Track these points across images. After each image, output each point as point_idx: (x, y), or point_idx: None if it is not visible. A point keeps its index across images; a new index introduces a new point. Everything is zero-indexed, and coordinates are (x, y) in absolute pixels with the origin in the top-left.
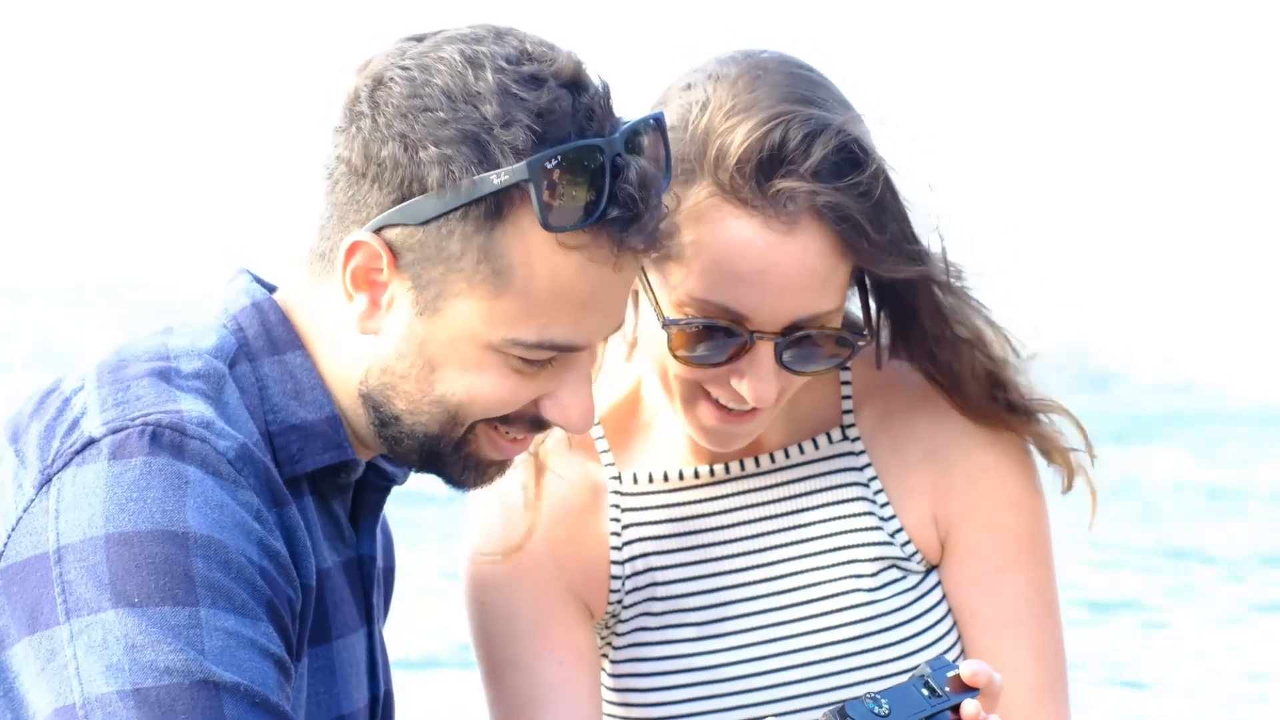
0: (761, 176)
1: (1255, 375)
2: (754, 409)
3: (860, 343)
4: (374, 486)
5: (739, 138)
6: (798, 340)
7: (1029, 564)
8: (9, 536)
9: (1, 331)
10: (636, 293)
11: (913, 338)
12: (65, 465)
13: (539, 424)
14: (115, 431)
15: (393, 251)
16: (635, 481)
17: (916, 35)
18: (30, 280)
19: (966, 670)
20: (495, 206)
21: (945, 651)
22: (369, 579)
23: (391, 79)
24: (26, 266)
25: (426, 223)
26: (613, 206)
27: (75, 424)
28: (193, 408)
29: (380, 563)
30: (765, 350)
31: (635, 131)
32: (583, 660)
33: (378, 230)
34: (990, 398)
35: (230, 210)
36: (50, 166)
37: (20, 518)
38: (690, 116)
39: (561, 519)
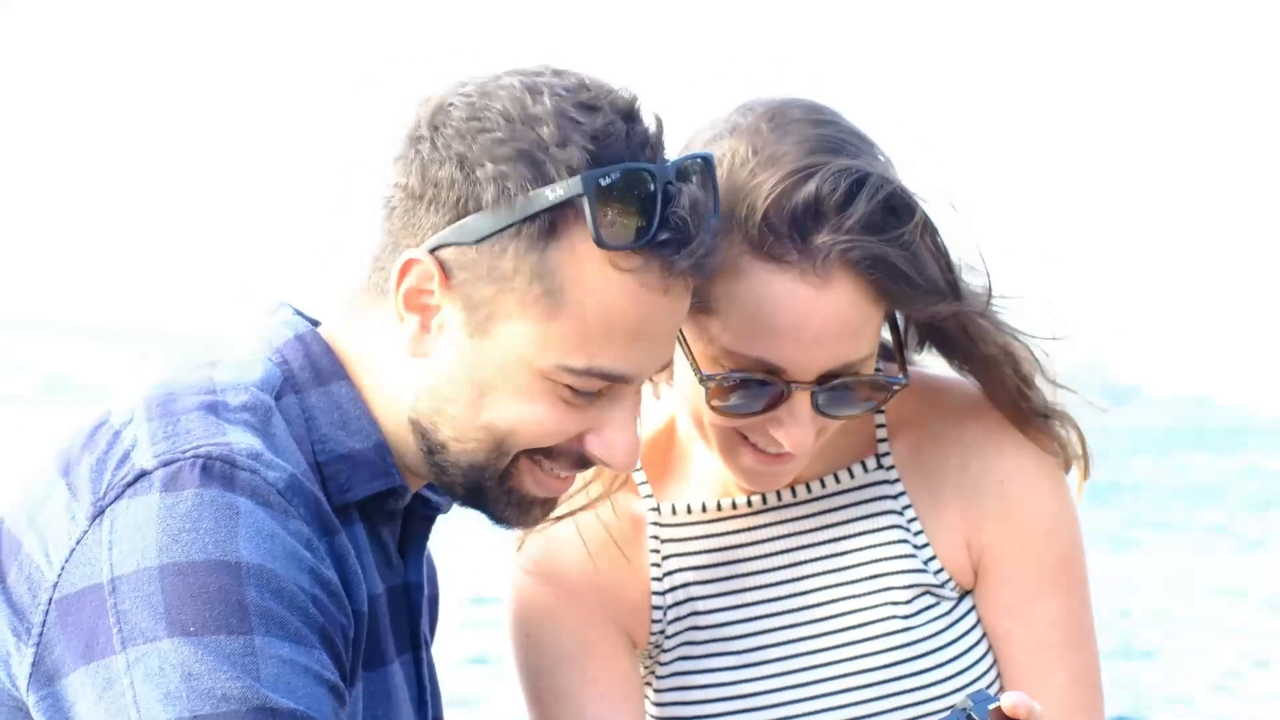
0: (795, 230)
1: (1273, 389)
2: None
3: (896, 386)
4: (420, 515)
5: (766, 191)
6: (834, 387)
7: (1063, 590)
8: (63, 568)
9: (14, 362)
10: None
11: (947, 351)
12: (118, 497)
13: (583, 461)
14: (167, 464)
15: (445, 272)
16: (674, 513)
17: (930, 59)
18: (43, 312)
19: (1008, 702)
20: (549, 224)
21: (981, 676)
22: (415, 607)
23: (451, 104)
24: (39, 298)
25: (480, 241)
26: (663, 229)
27: (126, 457)
28: (241, 440)
29: (425, 590)
30: (802, 399)
31: (684, 165)
32: (626, 690)
33: (432, 251)
34: (1016, 407)
35: (248, 252)
36: (66, 202)
37: (74, 549)
38: (717, 171)
39: (602, 551)
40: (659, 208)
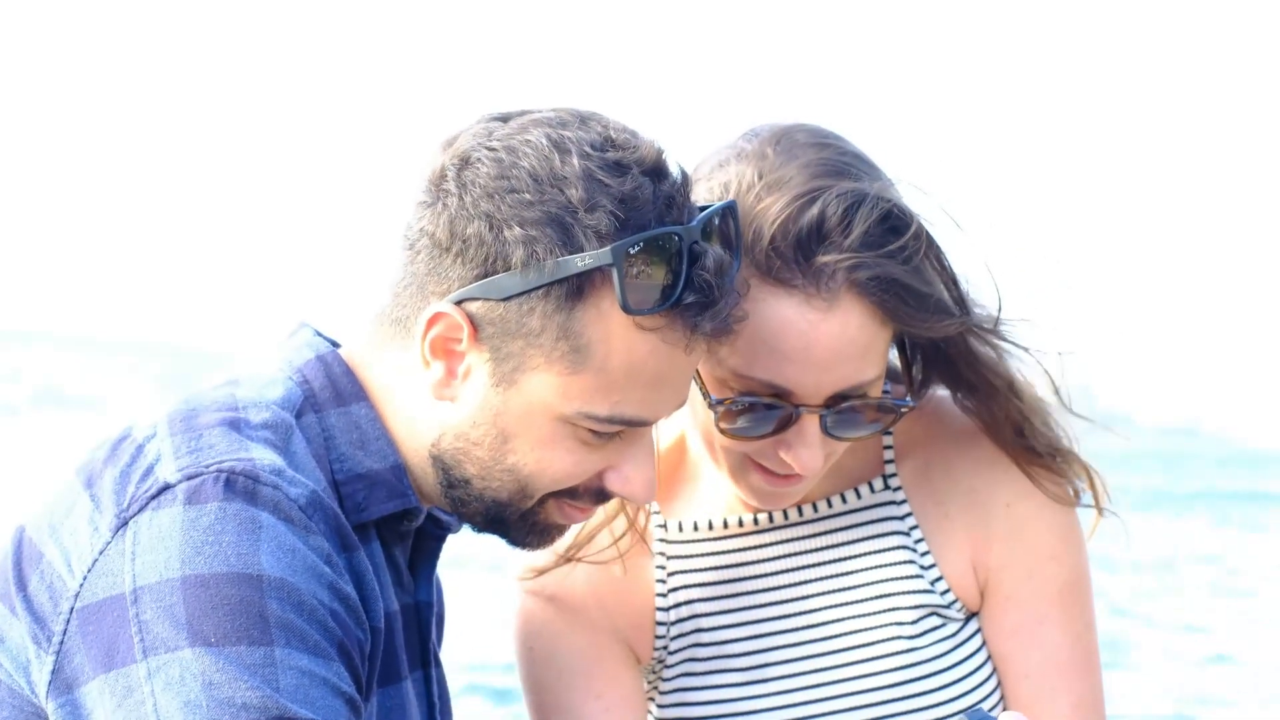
0: (800, 254)
1: (1260, 418)
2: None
3: (903, 409)
4: (430, 535)
5: (772, 216)
6: (842, 410)
7: (1068, 615)
8: (85, 578)
9: (7, 373)
10: None
11: (949, 383)
12: (141, 509)
13: (603, 496)
14: (190, 478)
15: (473, 324)
16: (680, 530)
17: (913, 80)
18: (34, 322)
19: None
20: (577, 287)
21: (985, 698)
22: (425, 624)
23: (479, 159)
24: (30, 308)
25: (508, 299)
26: (689, 292)
27: (150, 470)
28: (264, 456)
29: (435, 608)
30: (810, 422)
31: (710, 219)
32: (629, 705)
33: (459, 303)
34: (1017, 441)
35: (244, 264)
36: (57, 212)
37: (96, 560)
38: (724, 198)
39: (608, 567)
40: (684, 270)
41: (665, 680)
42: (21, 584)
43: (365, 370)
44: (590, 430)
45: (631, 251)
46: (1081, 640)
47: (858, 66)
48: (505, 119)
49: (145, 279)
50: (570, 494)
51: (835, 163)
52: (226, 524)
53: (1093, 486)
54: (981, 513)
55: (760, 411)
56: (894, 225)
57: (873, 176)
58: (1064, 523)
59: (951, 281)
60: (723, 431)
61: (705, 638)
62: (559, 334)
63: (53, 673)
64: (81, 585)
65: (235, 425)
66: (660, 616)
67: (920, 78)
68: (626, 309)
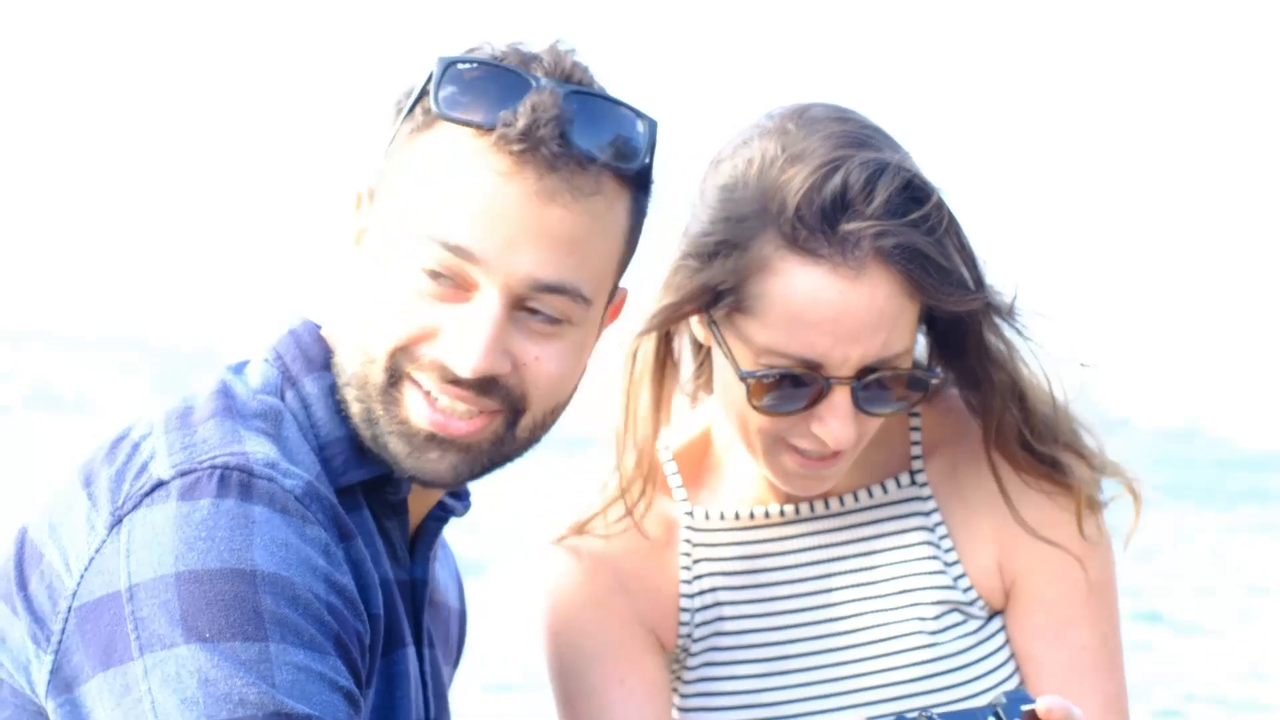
0: (825, 223)
1: (1260, 419)
2: (835, 453)
3: (933, 381)
4: (433, 516)
5: (795, 187)
6: (872, 382)
7: (1095, 615)
8: (82, 576)
9: (0, 372)
10: (710, 349)
11: (958, 375)
12: (135, 507)
13: (445, 372)
14: (184, 474)
15: (371, 192)
16: (707, 519)
17: (909, 80)
18: (28, 323)
19: (1043, 705)
20: (421, 121)
21: None
22: (420, 601)
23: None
24: (24, 309)
25: (387, 155)
26: (503, 119)
27: (144, 468)
28: (258, 448)
29: (454, 605)
30: (842, 394)
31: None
32: (653, 690)
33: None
34: (1018, 445)
35: (236, 261)
36: (51, 210)
37: (92, 558)
38: (748, 172)
39: (635, 552)
40: (501, 96)
41: (689, 669)
42: (22, 584)
43: (334, 332)
44: (426, 275)
45: (460, 67)
46: (1108, 641)
47: (857, 65)
48: None
49: (140, 278)
50: (414, 362)
51: (856, 134)
52: (220, 519)
53: (1131, 491)
54: (1008, 513)
55: (794, 386)
56: (915, 195)
57: (892, 148)
58: (1090, 524)
59: (970, 260)
60: (755, 408)
61: (728, 626)
62: (402, 167)
63: (52, 672)
64: (79, 584)
65: (229, 418)
66: (685, 604)
67: (917, 75)
68: (442, 115)
